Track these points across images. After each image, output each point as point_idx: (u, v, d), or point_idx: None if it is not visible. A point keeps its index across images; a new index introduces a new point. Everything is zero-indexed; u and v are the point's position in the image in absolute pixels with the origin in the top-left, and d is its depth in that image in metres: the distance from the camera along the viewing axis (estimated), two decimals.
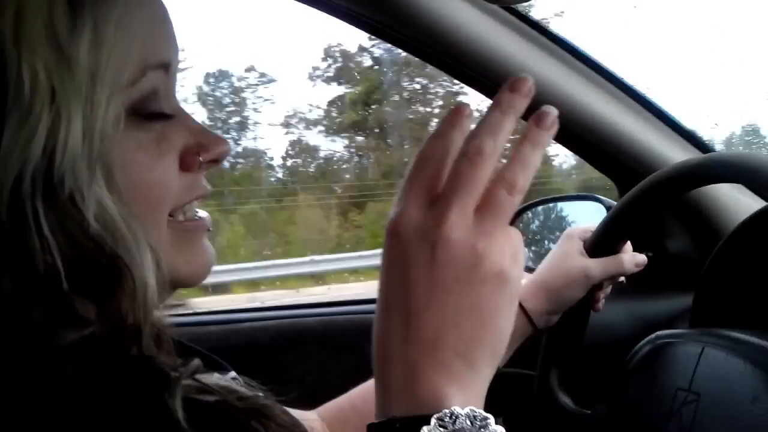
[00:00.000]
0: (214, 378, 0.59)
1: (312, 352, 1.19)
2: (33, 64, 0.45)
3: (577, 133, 1.11)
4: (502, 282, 0.47)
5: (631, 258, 0.95)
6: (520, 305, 0.91)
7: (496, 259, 0.46)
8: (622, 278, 1.00)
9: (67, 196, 0.46)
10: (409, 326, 0.45)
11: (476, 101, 1.07)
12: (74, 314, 0.47)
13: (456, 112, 0.51)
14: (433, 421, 0.43)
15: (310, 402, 0.71)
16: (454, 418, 0.43)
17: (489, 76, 1.04)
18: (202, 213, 0.61)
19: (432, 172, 0.49)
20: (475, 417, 0.43)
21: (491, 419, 0.43)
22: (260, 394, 0.62)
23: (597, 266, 0.93)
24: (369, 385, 0.89)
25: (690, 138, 1.13)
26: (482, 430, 0.43)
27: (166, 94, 0.55)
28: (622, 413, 0.95)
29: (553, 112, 0.50)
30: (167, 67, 0.55)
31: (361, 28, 1.06)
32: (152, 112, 0.53)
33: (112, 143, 0.49)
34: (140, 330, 0.49)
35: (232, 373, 0.69)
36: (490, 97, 1.16)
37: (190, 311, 1.32)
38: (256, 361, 0.68)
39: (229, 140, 0.60)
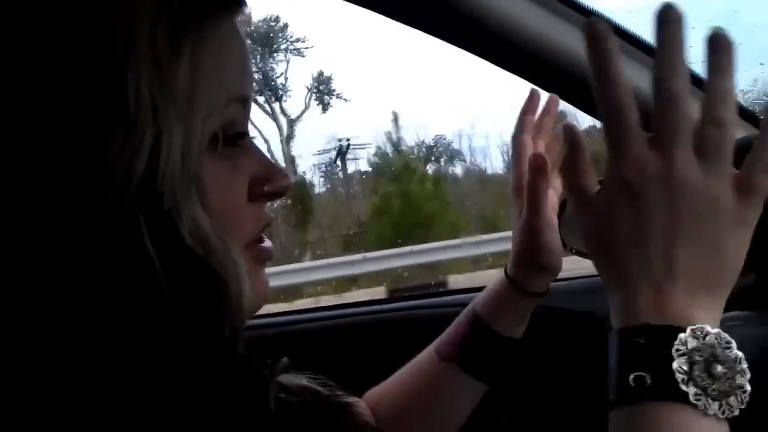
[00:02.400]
0: (293, 379, 0.62)
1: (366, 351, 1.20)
2: (137, 80, 0.47)
3: None
4: (736, 222, 0.52)
5: None
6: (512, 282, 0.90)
7: (728, 199, 0.50)
8: None
9: (165, 210, 0.48)
10: (660, 262, 0.50)
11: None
12: (176, 322, 0.49)
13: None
14: (688, 330, 0.48)
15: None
16: (704, 333, 0.48)
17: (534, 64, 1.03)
18: (267, 243, 0.63)
19: (635, 117, 0.51)
20: (720, 338, 0.49)
21: (733, 343, 0.49)
22: (339, 393, 0.65)
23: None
24: (413, 364, 0.92)
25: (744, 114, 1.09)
26: (726, 350, 0.48)
27: (241, 126, 0.58)
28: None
29: (721, 31, 0.51)
30: (245, 102, 0.58)
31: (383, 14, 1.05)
32: (230, 141, 0.56)
33: (201, 164, 0.52)
34: (237, 336, 0.53)
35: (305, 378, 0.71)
36: (534, 83, 1.15)
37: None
38: (314, 361, 0.69)
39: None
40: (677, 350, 0.47)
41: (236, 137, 0.57)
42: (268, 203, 0.63)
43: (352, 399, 0.65)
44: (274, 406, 0.51)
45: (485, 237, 9.68)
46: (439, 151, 18.70)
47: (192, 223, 0.49)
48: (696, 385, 0.46)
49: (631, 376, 0.47)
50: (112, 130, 0.47)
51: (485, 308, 0.90)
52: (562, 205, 1.30)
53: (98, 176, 0.47)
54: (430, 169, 17.21)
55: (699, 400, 0.46)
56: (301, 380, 0.65)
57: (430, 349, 0.91)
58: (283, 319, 1.30)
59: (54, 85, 0.47)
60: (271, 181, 0.60)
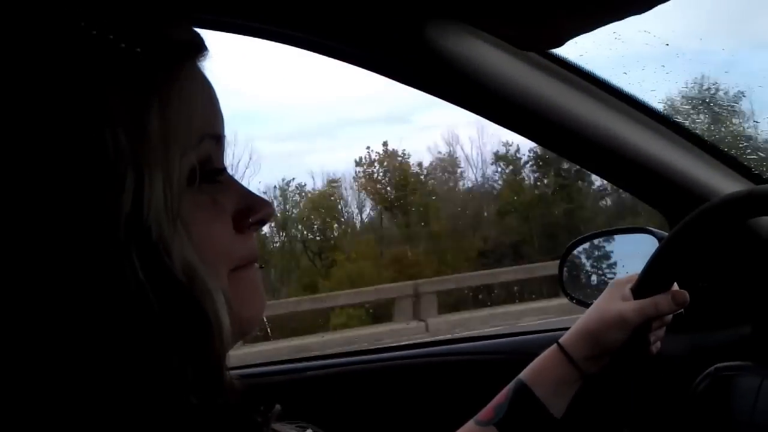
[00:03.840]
0: (285, 428, 0.63)
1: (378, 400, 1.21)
2: (114, 130, 0.51)
3: (624, 167, 1.12)
4: None
5: (667, 298, 0.93)
6: (564, 352, 0.93)
7: None
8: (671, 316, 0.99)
9: (154, 245, 0.51)
10: None
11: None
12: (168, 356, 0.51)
13: None
14: None
15: None
16: None
17: (526, 118, 1.07)
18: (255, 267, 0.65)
19: None
20: None
21: None
22: None
23: (633, 309, 0.93)
24: None
25: (738, 168, 1.12)
26: None
27: (217, 162, 0.60)
28: None
29: None
30: (218, 139, 0.61)
31: (388, 76, 1.07)
32: (207, 176, 0.58)
33: (183, 200, 0.54)
34: (221, 372, 0.54)
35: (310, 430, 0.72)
36: (531, 138, 1.19)
37: (254, 362, 1.35)
38: (322, 411, 0.71)
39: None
40: None
41: (214, 173, 0.59)
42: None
43: None
44: None
45: None
46: None
47: (179, 256, 0.52)
48: None
49: None
50: (97, 177, 0.50)
51: (530, 372, 0.94)
52: (564, 255, 1.34)
53: (88, 218, 0.50)
54: None
55: None
56: (293, 430, 0.67)
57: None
58: (290, 367, 1.31)
59: (39, 142, 0.50)
60: (254, 211, 0.62)
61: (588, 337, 0.94)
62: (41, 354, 0.49)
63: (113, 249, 0.50)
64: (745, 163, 1.15)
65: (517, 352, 1.18)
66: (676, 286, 0.95)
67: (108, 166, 0.50)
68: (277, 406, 0.60)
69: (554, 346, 0.94)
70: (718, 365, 0.93)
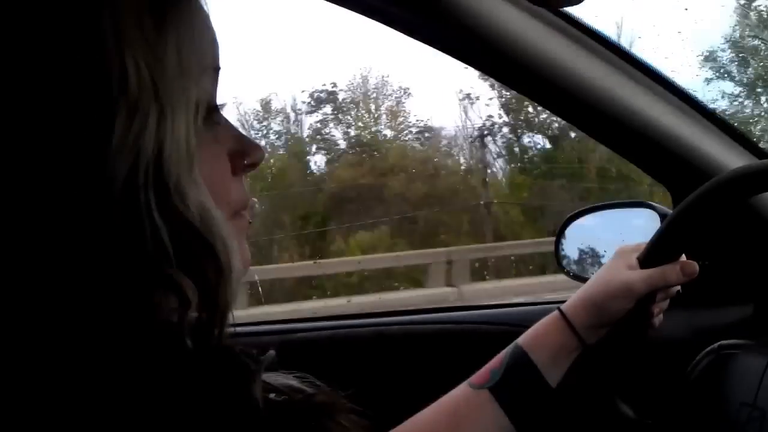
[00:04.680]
0: (281, 378, 0.62)
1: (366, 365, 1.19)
2: (136, 60, 0.49)
3: (630, 138, 1.09)
4: None
5: (676, 268, 0.90)
6: (566, 319, 0.90)
7: None
8: (677, 288, 0.97)
9: (173, 186, 0.49)
10: None
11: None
12: (180, 296, 0.50)
13: None
14: None
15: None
16: None
17: (534, 79, 1.03)
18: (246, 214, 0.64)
19: None
20: None
21: None
22: (326, 390, 0.64)
23: (640, 278, 0.90)
24: (446, 396, 0.89)
25: (746, 144, 1.10)
26: None
27: (216, 98, 0.59)
28: (684, 426, 0.92)
29: None
30: (218, 72, 0.59)
31: (396, 29, 1.03)
32: (211, 113, 0.56)
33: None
34: (226, 315, 0.52)
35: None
36: (535, 100, 1.16)
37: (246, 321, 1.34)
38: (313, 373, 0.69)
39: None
40: None
41: (215, 109, 0.58)
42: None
43: (340, 398, 0.65)
44: (260, 401, 0.51)
45: None
46: None
47: (195, 197, 0.51)
48: None
49: None
50: (117, 112, 0.48)
51: (528, 337, 0.91)
52: (561, 228, 1.31)
53: (108, 157, 0.48)
54: None
55: None
56: (289, 380, 0.65)
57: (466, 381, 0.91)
58: (286, 327, 1.29)
59: (59, 76, 0.48)
60: (247, 152, 0.61)
61: (591, 305, 0.90)
62: (53, 295, 0.47)
63: (131, 191, 0.48)
64: (753, 139, 1.13)
65: (519, 323, 1.16)
66: (684, 258, 0.92)
67: (129, 103, 0.48)
68: (271, 352, 0.60)
69: (555, 312, 0.91)
70: (722, 342, 0.91)
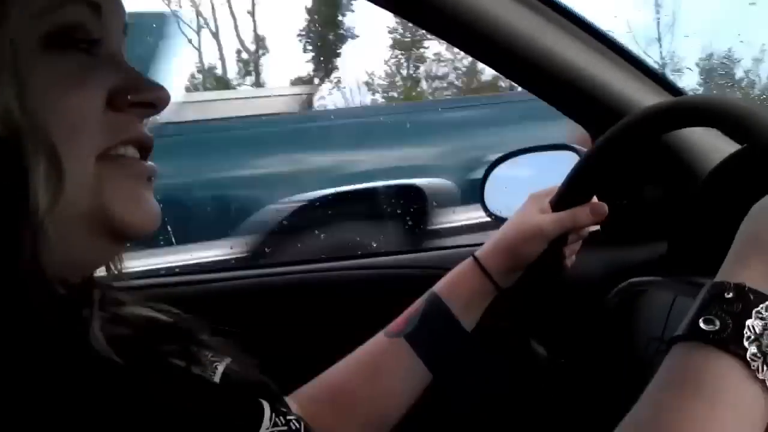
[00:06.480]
0: (136, 309, 0.62)
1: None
2: None
3: (548, 80, 1.08)
4: None
5: (585, 210, 0.92)
6: (479, 265, 0.91)
7: None
8: (588, 230, 0.98)
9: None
10: None
11: None
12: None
13: None
14: None
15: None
16: None
17: (448, 20, 1.02)
18: (148, 163, 0.61)
19: None
20: None
21: None
22: (184, 317, 0.66)
23: (551, 220, 0.91)
24: (361, 347, 0.89)
25: (662, 82, 1.10)
26: None
27: (97, 33, 0.57)
28: (596, 362, 0.95)
29: None
30: (95, 7, 0.57)
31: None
32: (72, 43, 0.55)
33: (30, 61, 0.52)
34: (38, 259, 0.49)
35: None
36: (451, 42, 1.14)
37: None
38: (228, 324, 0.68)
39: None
40: (758, 312, 0.49)
41: (86, 42, 0.56)
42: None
43: (195, 325, 0.65)
44: (102, 340, 0.50)
45: None
46: None
47: (3, 111, 0.50)
48: (759, 348, 0.48)
49: (702, 319, 0.49)
50: None
51: (444, 285, 0.92)
52: (487, 171, 1.31)
53: None
54: None
55: (755, 361, 0.47)
56: (143, 311, 0.64)
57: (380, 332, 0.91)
58: (197, 278, 1.27)
59: None
60: (136, 89, 0.58)
61: (504, 249, 0.92)
62: None
63: None
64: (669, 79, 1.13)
65: (435, 267, 1.16)
66: (595, 200, 0.93)
67: None
68: (96, 291, 0.57)
69: (470, 258, 0.92)
70: (632, 280, 0.92)
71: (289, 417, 0.55)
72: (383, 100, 12.87)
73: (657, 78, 1.10)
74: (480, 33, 1.02)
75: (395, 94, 13.03)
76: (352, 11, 11.88)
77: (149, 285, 1.21)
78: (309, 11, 11.88)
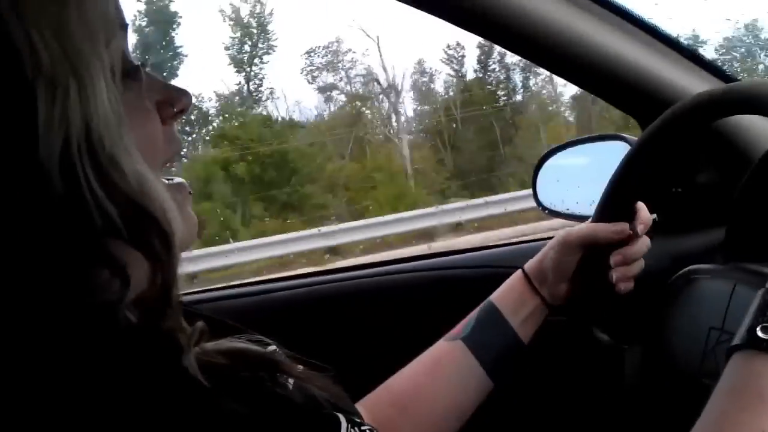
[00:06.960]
0: (224, 343, 0.62)
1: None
2: (42, 33, 0.46)
3: (595, 71, 1.08)
4: None
5: (608, 226, 0.94)
6: (527, 277, 0.95)
7: None
8: (654, 216, 0.98)
9: (107, 157, 0.48)
10: None
11: None
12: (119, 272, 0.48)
13: None
14: None
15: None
16: None
17: (497, 22, 1.02)
18: (178, 179, 0.62)
19: None
20: None
21: None
22: (274, 349, 0.66)
23: (574, 230, 0.94)
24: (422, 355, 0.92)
25: (712, 69, 1.09)
26: None
27: (128, 53, 0.56)
28: (657, 350, 0.95)
29: None
30: (125, 28, 0.56)
31: None
32: (128, 71, 0.55)
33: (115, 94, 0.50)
34: (172, 286, 0.51)
35: (272, 347, 0.70)
36: (497, 43, 1.14)
37: (219, 286, 1.34)
38: (292, 332, 0.70)
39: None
40: None
41: (134, 68, 0.56)
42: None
43: (282, 357, 0.66)
44: (195, 371, 0.50)
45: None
46: None
47: (129, 165, 0.49)
48: None
49: (759, 327, 0.51)
50: (37, 92, 0.46)
51: (498, 296, 0.95)
52: (538, 165, 1.31)
53: (37, 139, 0.46)
54: None
55: None
56: (236, 344, 0.64)
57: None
58: (257, 288, 1.29)
59: None
60: (174, 99, 0.60)
61: (541, 260, 0.95)
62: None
63: (68, 169, 0.47)
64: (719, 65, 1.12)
65: (501, 264, 1.18)
66: (645, 211, 0.94)
67: (44, 76, 0.46)
68: (200, 323, 0.58)
69: (519, 270, 0.96)
70: (691, 267, 0.92)
71: (363, 427, 0.57)
72: None
73: (706, 65, 1.09)
74: (525, 28, 1.03)
75: None
76: None
77: (208, 299, 1.24)
78: None
